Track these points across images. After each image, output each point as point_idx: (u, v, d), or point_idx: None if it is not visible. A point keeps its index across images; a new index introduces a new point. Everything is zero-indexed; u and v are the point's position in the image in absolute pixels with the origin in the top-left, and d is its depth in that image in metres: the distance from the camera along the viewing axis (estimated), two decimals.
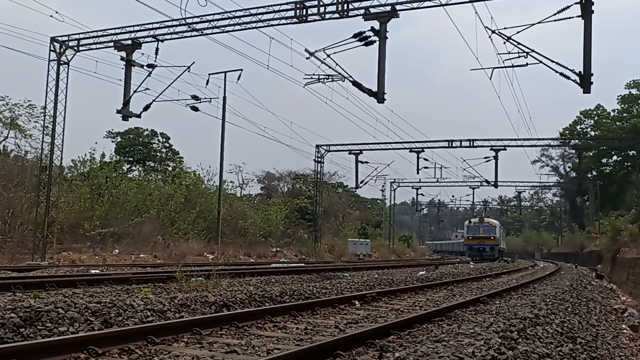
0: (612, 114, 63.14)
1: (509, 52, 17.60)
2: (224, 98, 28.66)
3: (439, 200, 73.50)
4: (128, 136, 45.47)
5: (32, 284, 10.04)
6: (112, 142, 45.60)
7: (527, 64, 17.64)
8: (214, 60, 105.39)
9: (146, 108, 22.10)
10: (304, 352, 4.90)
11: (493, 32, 17.16)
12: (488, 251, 47.35)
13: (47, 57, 22.62)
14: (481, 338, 5.41)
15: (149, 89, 21.77)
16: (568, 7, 15.90)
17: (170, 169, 45.40)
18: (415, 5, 17.77)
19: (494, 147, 36.06)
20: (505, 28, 17.14)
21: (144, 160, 45.57)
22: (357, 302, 9.41)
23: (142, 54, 21.82)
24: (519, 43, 17.20)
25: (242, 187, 50.12)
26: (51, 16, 20.55)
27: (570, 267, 33.85)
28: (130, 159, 44.72)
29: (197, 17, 20.38)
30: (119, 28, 21.71)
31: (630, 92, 61.66)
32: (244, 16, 19.97)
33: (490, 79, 19.22)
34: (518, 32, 17.11)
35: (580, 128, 65.60)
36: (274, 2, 19.51)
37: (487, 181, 40.89)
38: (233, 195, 44.40)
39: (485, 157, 37.17)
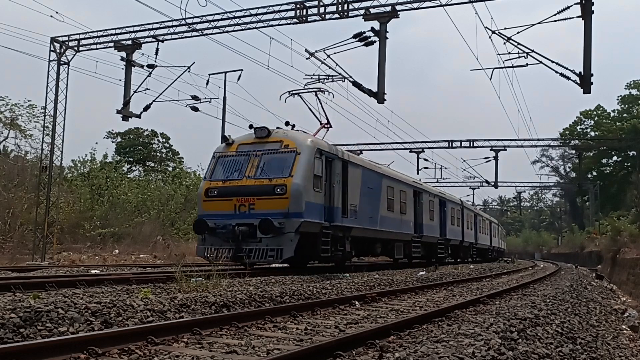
0: (612, 114, 63.22)
1: (509, 53, 17.63)
2: (224, 98, 28.65)
3: None
4: (128, 136, 45.57)
5: (32, 284, 10.01)
6: (112, 142, 45.76)
7: (527, 65, 17.65)
8: (214, 60, 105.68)
9: (146, 108, 22.14)
10: (304, 352, 4.89)
11: (493, 32, 17.18)
12: (261, 241, 13.40)
13: (47, 57, 22.67)
14: (481, 338, 5.40)
15: (149, 89, 21.87)
16: (568, 7, 15.92)
17: (170, 169, 45.46)
18: (415, 5, 17.79)
19: (494, 148, 36.09)
20: (505, 28, 17.16)
21: (144, 160, 45.64)
22: (357, 303, 9.39)
23: (142, 54, 21.92)
24: (519, 43, 17.22)
25: None
26: (51, 16, 20.66)
27: (570, 267, 33.84)
28: (130, 159, 44.80)
29: (197, 17, 20.43)
30: (119, 28, 21.75)
31: (630, 92, 61.76)
32: (244, 16, 20.00)
33: (491, 79, 19.29)
34: (518, 33, 17.14)
35: (580, 128, 65.70)
36: (274, 3, 19.55)
37: (487, 181, 40.93)
38: None
39: (485, 158, 37.27)
